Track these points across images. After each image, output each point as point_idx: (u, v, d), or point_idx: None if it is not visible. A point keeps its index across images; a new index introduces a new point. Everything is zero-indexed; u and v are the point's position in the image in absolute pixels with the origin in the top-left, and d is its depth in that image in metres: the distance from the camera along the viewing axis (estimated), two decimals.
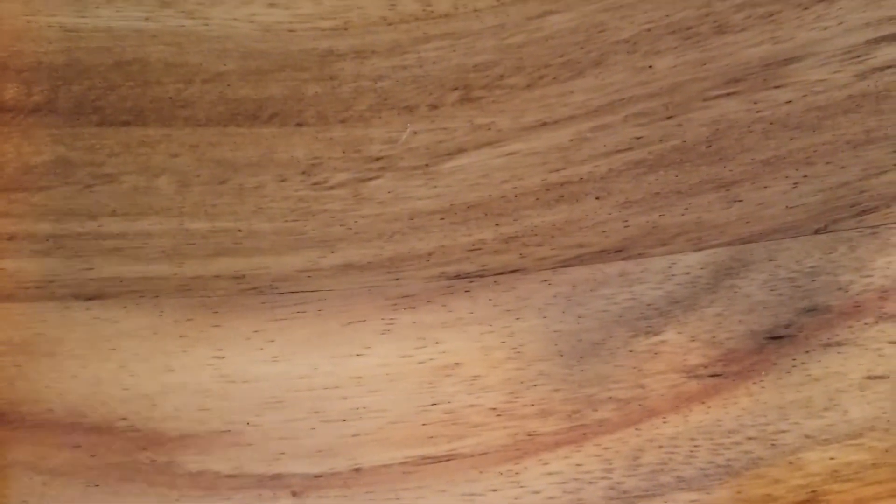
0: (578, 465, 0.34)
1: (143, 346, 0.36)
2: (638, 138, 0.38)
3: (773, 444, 0.34)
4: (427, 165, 0.38)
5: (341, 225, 0.37)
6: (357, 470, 0.34)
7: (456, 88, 0.39)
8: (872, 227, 0.35)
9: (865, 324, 0.35)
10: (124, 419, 0.34)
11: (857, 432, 0.33)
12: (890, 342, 0.34)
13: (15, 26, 0.37)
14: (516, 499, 0.34)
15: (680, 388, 0.34)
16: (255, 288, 0.36)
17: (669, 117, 0.38)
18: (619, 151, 0.38)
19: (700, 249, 0.36)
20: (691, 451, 0.34)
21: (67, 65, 0.39)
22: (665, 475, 0.33)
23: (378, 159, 0.38)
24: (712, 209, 0.37)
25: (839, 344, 0.35)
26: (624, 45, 0.39)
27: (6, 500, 0.33)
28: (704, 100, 0.38)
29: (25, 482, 0.34)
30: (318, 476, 0.34)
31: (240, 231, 0.37)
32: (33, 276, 0.36)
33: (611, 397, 0.35)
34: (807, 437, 0.34)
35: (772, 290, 0.35)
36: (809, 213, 0.36)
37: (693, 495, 0.33)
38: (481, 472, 0.35)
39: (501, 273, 0.36)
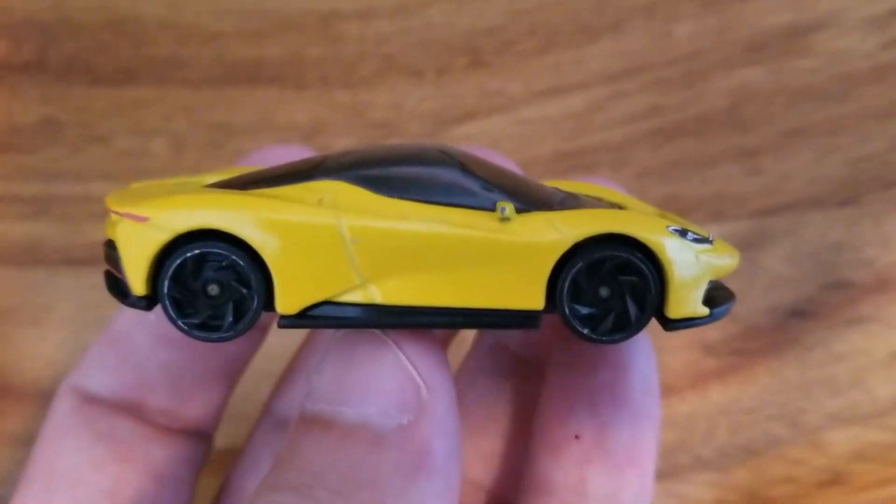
0: None
1: None
2: (655, 106, 0.38)
3: (794, 424, 0.34)
4: (434, 132, 0.38)
5: None
6: None
7: (465, 53, 0.39)
8: None
9: (891, 300, 0.35)
10: None
11: (882, 411, 0.34)
12: None
13: None
14: None
15: (698, 366, 0.35)
16: None
17: (688, 85, 0.38)
18: (635, 120, 0.38)
19: (720, 221, 0.36)
20: (709, 430, 0.34)
21: (58, 22, 0.39)
22: (682, 454, 0.34)
23: (383, 125, 0.38)
24: (733, 180, 0.37)
25: (863, 320, 0.35)
26: (642, 11, 0.40)
27: None
28: (725, 68, 0.39)
29: (11, 452, 0.34)
30: None
31: None
32: (20, 240, 0.36)
33: None
34: (829, 416, 0.34)
35: (794, 265, 0.36)
36: (833, 186, 0.37)
37: (711, 475, 0.34)
38: None
39: None
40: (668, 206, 0.37)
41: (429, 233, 0.21)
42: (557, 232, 0.21)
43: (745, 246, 0.37)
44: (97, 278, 0.37)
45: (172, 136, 0.38)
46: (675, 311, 0.21)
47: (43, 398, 0.35)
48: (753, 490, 0.34)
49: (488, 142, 0.38)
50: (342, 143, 0.38)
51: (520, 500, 0.25)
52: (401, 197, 0.21)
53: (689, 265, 0.21)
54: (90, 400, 0.26)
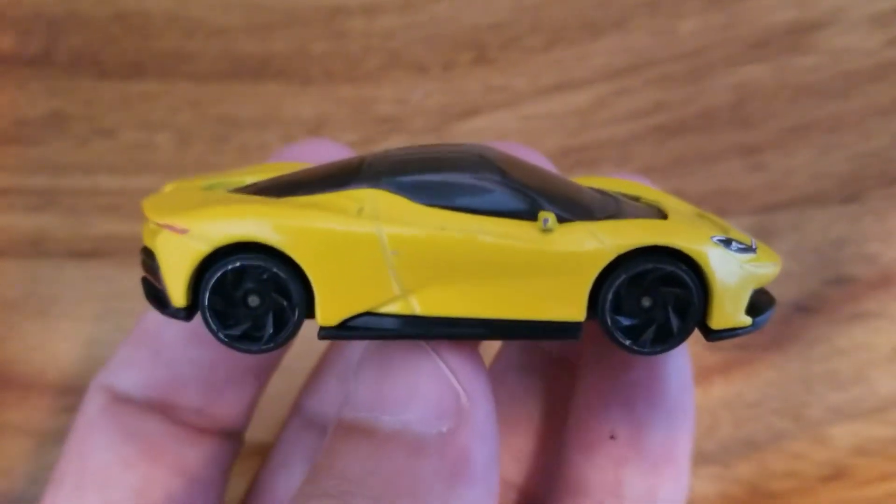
0: None
1: (139, 307, 0.36)
2: (659, 103, 0.39)
3: (796, 418, 0.34)
4: (439, 127, 0.39)
5: None
6: None
7: (470, 49, 0.40)
8: None
9: (893, 295, 0.35)
10: None
11: (884, 406, 0.34)
12: None
13: None
14: None
15: (702, 360, 0.35)
16: None
17: (692, 82, 0.39)
18: (639, 116, 0.38)
19: (723, 217, 0.37)
20: (712, 424, 0.34)
21: (66, 15, 0.39)
22: None
23: (388, 120, 0.39)
24: (736, 176, 0.37)
25: (866, 316, 0.35)
26: (646, 8, 0.40)
27: None
28: (729, 65, 0.39)
29: (16, 444, 0.34)
30: None
31: None
32: (26, 233, 0.36)
33: None
34: (832, 410, 0.34)
35: (797, 261, 0.36)
36: (836, 182, 0.37)
37: (714, 469, 0.34)
38: None
39: None
40: None
41: (469, 243, 0.21)
42: (600, 243, 0.21)
43: None
44: (103, 270, 0.37)
45: (178, 129, 0.38)
46: (718, 321, 0.21)
47: (48, 390, 0.35)
48: (756, 484, 0.34)
49: (493, 137, 0.39)
50: (347, 137, 0.39)
51: (553, 499, 0.25)
52: (441, 206, 0.21)
53: (732, 276, 0.21)
54: (120, 399, 0.26)
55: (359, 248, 0.21)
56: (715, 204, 0.37)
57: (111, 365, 0.26)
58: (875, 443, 0.34)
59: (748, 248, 0.22)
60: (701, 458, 0.34)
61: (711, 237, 0.21)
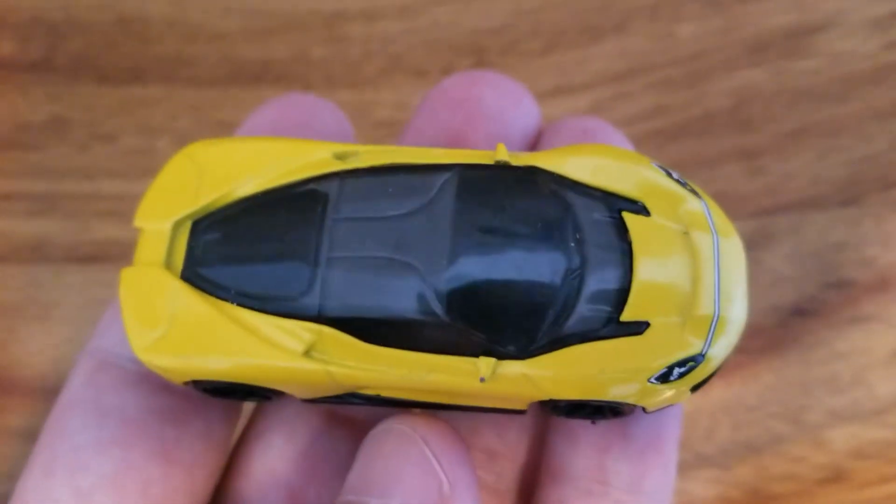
0: None
1: None
2: (659, 107, 0.39)
3: (795, 421, 0.35)
4: None
5: None
6: None
7: (470, 53, 0.40)
8: None
9: (892, 299, 0.36)
10: None
11: (883, 409, 0.35)
12: None
13: None
14: None
15: None
16: None
17: (692, 86, 0.39)
18: (638, 120, 0.39)
19: None
20: (712, 427, 0.35)
21: (66, 21, 0.40)
22: (684, 451, 0.35)
23: (387, 124, 0.39)
24: (735, 180, 0.38)
25: (864, 319, 0.36)
26: (645, 12, 0.40)
27: None
28: (728, 69, 0.40)
29: (17, 448, 0.34)
30: None
31: None
32: (27, 237, 0.37)
33: None
34: (831, 414, 0.35)
35: (796, 264, 0.36)
36: (835, 186, 0.38)
37: (713, 472, 0.34)
38: None
39: None
40: None
41: (417, 380, 0.22)
42: (537, 390, 0.22)
43: (748, 245, 0.37)
44: (104, 275, 0.38)
45: (178, 134, 0.39)
46: (653, 408, 0.23)
47: (49, 394, 0.35)
48: (755, 487, 0.34)
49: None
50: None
51: (539, 490, 0.25)
52: (388, 345, 0.22)
53: (664, 402, 0.22)
54: (104, 365, 0.25)
55: (311, 375, 0.22)
56: None
57: (97, 329, 0.26)
58: (874, 445, 0.35)
59: (690, 363, 0.22)
60: (700, 461, 0.35)
61: (649, 378, 0.21)
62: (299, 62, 0.40)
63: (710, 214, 0.23)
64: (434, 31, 0.41)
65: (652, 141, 0.39)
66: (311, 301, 0.22)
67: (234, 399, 0.25)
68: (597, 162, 0.23)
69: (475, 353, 0.21)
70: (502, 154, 0.23)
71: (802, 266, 0.37)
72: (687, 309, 0.22)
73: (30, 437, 0.35)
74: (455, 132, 0.26)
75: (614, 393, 0.21)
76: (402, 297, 0.21)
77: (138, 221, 0.24)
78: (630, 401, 0.22)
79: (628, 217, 0.22)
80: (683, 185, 0.24)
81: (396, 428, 0.21)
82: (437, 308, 0.21)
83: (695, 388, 0.22)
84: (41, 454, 0.24)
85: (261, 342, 0.22)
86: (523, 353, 0.21)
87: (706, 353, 0.22)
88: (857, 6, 0.41)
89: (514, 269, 0.21)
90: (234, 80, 0.40)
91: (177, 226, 0.23)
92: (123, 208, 0.38)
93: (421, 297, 0.21)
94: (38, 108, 0.39)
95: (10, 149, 0.38)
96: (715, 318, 0.22)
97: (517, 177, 0.23)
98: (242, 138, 0.25)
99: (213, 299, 0.22)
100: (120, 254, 0.37)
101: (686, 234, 0.22)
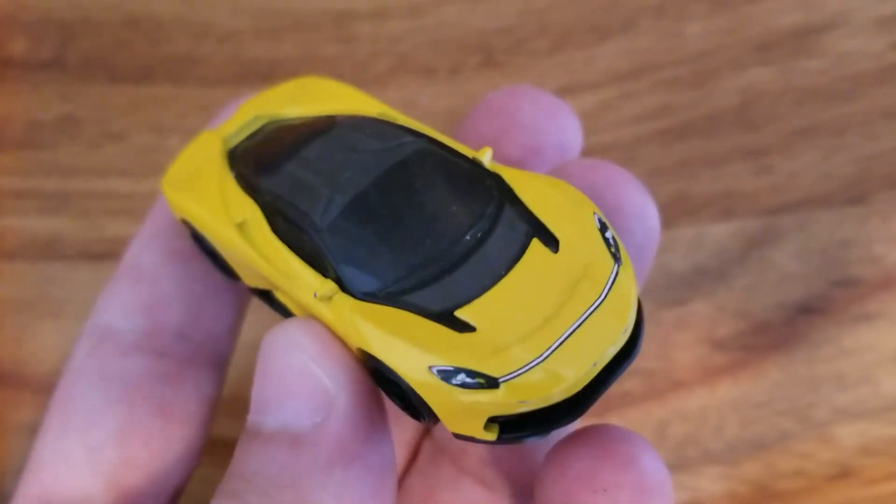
0: None
1: None
2: (665, 106, 0.39)
3: (803, 418, 0.35)
4: (447, 130, 0.39)
5: None
6: None
7: (477, 52, 0.40)
8: None
9: None
10: None
11: (890, 406, 0.35)
12: None
13: None
14: None
15: (707, 360, 0.36)
16: None
17: (698, 85, 0.39)
18: (645, 119, 0.39)
19: (729, 219, 0.37)
20: (719, 424, 0.35)
21: (77, 20, 0.40)
22: (692, 448, 0.35)
23: None
24: (742, 178, 0.38)
25: (871, 316, 0.36)
26: (652, 11, 0.41)
27: (8, 462, 0.34)
28: (734, 68, 0.40)
29: (28, 445, 0.34)
30: None
31: None
32: (40, 235, 0.37)
33: (636, 368, 0.36)
34: (838, 411, 0.35)
35: (802, 262, 0.37)
36: (841, 184, 0.38)
37: (721, 468, 0.34)
38: None
39: None
40: (677, 204, 0.38)
41: (282, 284, 0.23)
42: (354, 334, 0.21)
43: (755, 243, 0.37)
44: (114, 272, 0.38)
45: (189, 132, 0.39)
46: (451, 427, 0.21)
47: None
48: (763, 483, 0.35)
49: None
50: None
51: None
52: (285, 243, 0.23)
53: (454, 416, 0.20)
54: (106, 336, 0.27)
55: (238, 250, 0.24)
56: (721, 206, 0.38)
57: (95, 307, 0.28)
58: (881, 442, 0.35)
59: (480, 380, 0.20)
60: (708, 458, 0.35)
61: (431, 366, 0.20)
62: (308, 61, 0.40)
63: (612, 281, 0.21)
64: (442, 30, 0.41)
65: (658, 139, 0.39)
66: (264, 184, 0.24)
67: (217, 268, 0.26)
68: (549, 192, 0.23)
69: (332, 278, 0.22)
70: (481, 155, 0.23)
71: (809, 264, 0.37)
72: (518, 342, 0.20)
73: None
74: (491, 142, 0.27)
75: (397, 361, 0.20)
76: (311, 203, 0.22)
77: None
78: (410, 381, 0.20)
79: (535, 243, 0.22)
80: (610, 244, 0.22)
81: (276, 340, 0.22)
82: (321, 221, 0.22)
83: (504, 434, 0.20)
84: (53, 418, 0.27)
85: (222, 205, 0.24)
86: (365, 296, 0.21)
87: (502, 381, 0.20)
88: (864, 6, 0.41)
89: (399, 220, 0.22)
90: (244, 79, 0.40)
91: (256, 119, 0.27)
92: (134, 206, 0.38)
93: (321, 207, 0.22)
94: (50, 106, 0.39)
95: (22, 147, 0.38)
96: (535, 362, 0.20)
97: (472, 170, 0.23)
98: (342, 85, 0.28)
99: (227, 170, 0.25)
100: None
101: (575, 283, 0.21)
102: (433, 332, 0.20)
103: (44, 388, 0.36)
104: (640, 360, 0.36)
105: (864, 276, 0.37)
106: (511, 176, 0.23)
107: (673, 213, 0.38)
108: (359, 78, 0.40)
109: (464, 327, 0.20)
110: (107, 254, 0.37)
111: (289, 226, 0.23)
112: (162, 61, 0.40)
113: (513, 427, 0.20)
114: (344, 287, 0.21)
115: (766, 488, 0.35)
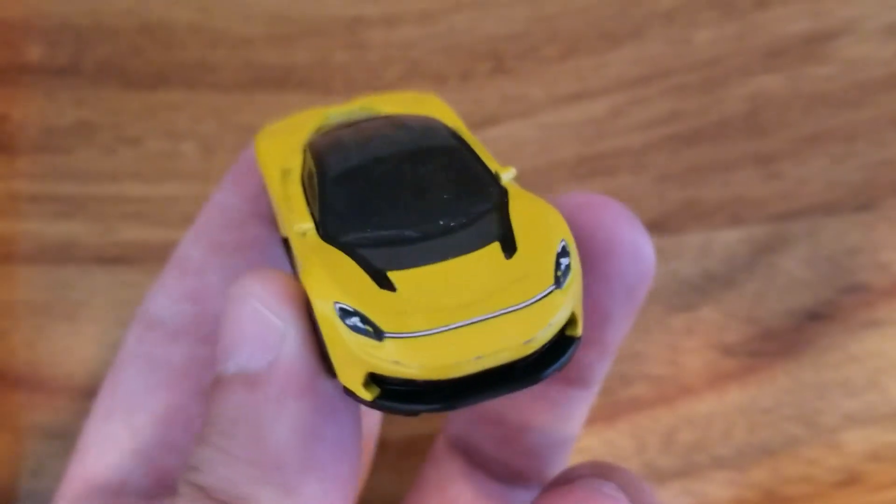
0: (610, 442, 0.35)
1: None
2: (675, 112, 0.39)
3: (810, 424, 0.35)
4: None
5: None
6: None
7: (488, 59, 0.41)
8: None
9: None
10: None
11: None
12: None
13: None
14: None
15: (716, 366, 0.36)
16: None
17: (708, 91, 0.40)
18: (655, 125, 0.39)
19: (738, 225, 0.37)
20: (727, 430, 0.35)
21: (93, 27, 0.40)
22: (700, 453, 0.35)
23: None
24: (751, 185, 0.38)
25: (879, 323, 0.36)
26: (662, 18, 0.41)
27: (23, 463, 0.35)
28: (744, 74, 0.40)
29: (45, 446, 0.35)
30: None
31: None
32: (55, 239, 0.37)
33: (645, 374, 0.36)
34: (846, 417, 0.35)
35: (811, 268, 0.37)
36: (850, 191, 0.38)
37: (728, 474, 0.35)
38: None
39: None
40: (686, 210, 0.38)
41: (282, 222, 0.25)
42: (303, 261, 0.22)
43: (764, 249, 0.38)
44: (129, 276, 0.38)
45: (202, 138, 0.39)
46: (340, 377, 0.21)
47: (76, 392, 0.36)
48: (770, 489, 0.35)
49: (509, 146, 0.40)
50: None
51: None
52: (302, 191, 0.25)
53: (333, 342, 0.21)
54: (153, 325, 0.28)
55: (278, 195, 0.25)
56: (730, 212, 0.38)
57: (146, 297, 0.29)
58: (888, 448, 0.35)
59: (371, 330, 0.20)
60: (716, 463, 0.35)
61: (335, 303, 0.21)
62: (321, 67, 0.41)
63: (538, 297, 0.21)
64: (453, 37, 0.41)
65: (668, 145, 0.39)
66: (314, 141, 0.25)
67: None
68: (535, 212, 0.23)
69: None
70: (503, 170, 0.24)
71: (817, 270, 0.37)
72: (421, 311, 0.21)
73: (56, 434, 0.36)
74: None
75: (314, 291, 0.21)
76: (333, 157, 0.24)
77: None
78: (316, 311, 0.21)
79: (494, 246, 0.22)
80: (559, 268, 0.22)
81: (232, 291, 0.23)
82: (331, 171, 0.23)
83: (379, 399, 0.20)
84: (102, 402, 0.28)
85: (283, 157, 0.25)
86: (326, 240, 0.22)
87: (387, 336, 0.20)
88: (873, 13, 0.41)
89: (393, 190, 0.23)
90: (257, 85, 0.40)
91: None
92: (149, 210, 0.38)
93: (338, 161, 0.23)
94: (65, 112, 0.39)
95: (37, 152, 0.39)
96: (425, 332, 0.20)
97: (482, 177, 0.23)
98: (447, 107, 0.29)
99: (306, 136, 0.26)
100: (145, 255, 0.38)
101: (505, 287, 0.21)
102: (358, 281, 0.21)
103: (58, 390, 0.36)
104: (649, 366, 0.36)
105: (872, 283, 0.37)
106: (516, 193, 0.24)
107: (682, 218, 0.38)
108: (370, 84, 0.41)
109: (387, 286, 0.21)
110: (121, 258, 0.38)
111: (310, 175, 0.24)
112: (176, 67, 0.40)
113: (389, 396, 0.21)
114: (318, 231, 0.23)
115: (773, 494, 0.35)
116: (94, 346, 0.36)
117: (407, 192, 0.23)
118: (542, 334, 0.20)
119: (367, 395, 0.21)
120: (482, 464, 0.28)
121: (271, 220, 0.28)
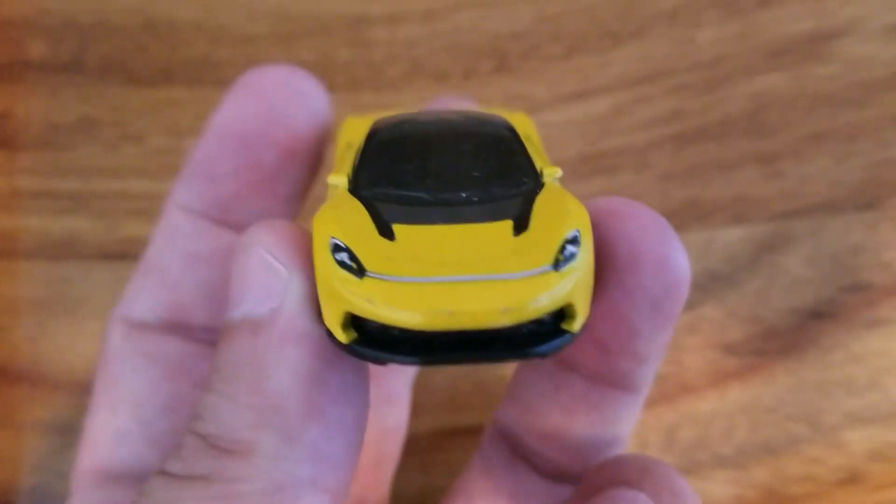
0: None
1: None
2: (678, 111, 0.39)
3: (812, 423, 0.35)
4: None
5: None
6: None
7: (491, 57, 0.40)
8: None
9: None
10: None
11: None
12: None
13: None
14: None
15: (718, 365, 0.36)
16: None
17: (710, 90, 0.39)
18: (657, 124, 0.39)
19: (741, 224, 0.37)
20: (729, 429, 0.35)
21: (96, 24, 0.40)
22: (702, 452, 0.35)
23: None
24: (754, 184, 0.38)
25: (882, 322, 0.36)
26: (665, 17, 0.41)
27: (25, 459, 0.35)
28: (746, 74, 0.40)
29: (46, 442, 0.35)
30: None
31: None
32: (58, 235, 0.37)
33: None
34: (848, 416, 0.35)
35: (814, 267, 0.37)
36: (852, 190, 0.38)
37: (730, 473, 0.34)
38: None
39: None
40: (689, 209, 0.38)
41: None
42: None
43: (766, 248, 0.37)
44: (131, 272, 0.38)
45: None
46: (324, 316, 0.21)
47: (77, 388, 0.36)
48: (772, 488, 0.35)
49: None
50: None
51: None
52: None
53: (320, 272, 0.21)
54: (136, 326, 0.28)
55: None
56: (733, 211, 0.38)
57: (123, 299, 0.29)
58: (890, 448, 0.35)
59: (355, 267, 0.20)
60: (718, 462, 0.35)
61: (331, 237, 0.21)
62: (324, 65, 0.41)
63: (529, 274, 0.21)
64: (456, 35, 0.41)
65: (671, 144, 0.39)
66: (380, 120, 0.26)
67: None
68: (560, 203, 0.23)
69: None
70: (549, 168, 0.24)
71: (820, 269, 0.37)
72: (410, 261, 0.21)
73: (58, 430, 0.36)
74: None
75: (317, 226, 0.22)
76: (388, 128, 0.25)
77: None
78: (314, 243, 0.22)
79: (506, 223, 0.22)
80: (563, 253, 0.21)
81: (241, 241, 0.23)
82: (379, 137, 0.24)
83: (354, 345, 0.21)
84: (101, 399, 0.28)
85: (355, 134, 0.26)
86: (351, 192, 0.23)
87: (368, 274, 0.20)
88: (876, 13, 0.41)
89: (429, 160, 0.23)
90: None
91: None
92: (151, 207, 0.38)
93: (390, 131, 0.24)
94: (69, 109, 0.39)
95: (41, 149, 0.39)
96: (407, 279, 0.21)
97: (524, 167, 0.23)
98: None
99: None
100: None
101: (502, 258, 0.21)
102: (361, 226, 0.21)
103: (59, 386, 0.36)
104: None
105: (874, 282, 0.37)
106: (551, 187, 0.23)
107: (684, 217, 0.38)
108: (374, 82, 0.40)
109: (387, 235, 0.21)
110: (124, 254, 0.38)
111: (364, 142, 0.24)
112: (179, 65, 0.40)
113: (364, 343, 0.21)
114: (349, 186, 0.23)
115: (775, 493, 0.35)
116: (96, 342, 0.36)
117: (441, 164, 0.23)
118: (524, 309, 0.20)
119: (342, 337, 0.21)
120: (525, 457, 0.28)
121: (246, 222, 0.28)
